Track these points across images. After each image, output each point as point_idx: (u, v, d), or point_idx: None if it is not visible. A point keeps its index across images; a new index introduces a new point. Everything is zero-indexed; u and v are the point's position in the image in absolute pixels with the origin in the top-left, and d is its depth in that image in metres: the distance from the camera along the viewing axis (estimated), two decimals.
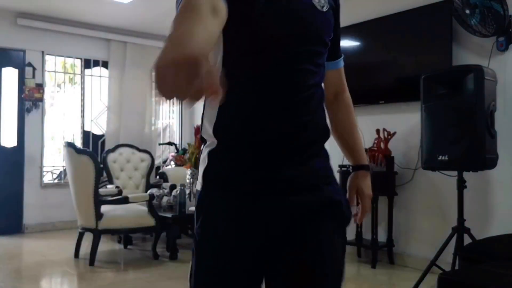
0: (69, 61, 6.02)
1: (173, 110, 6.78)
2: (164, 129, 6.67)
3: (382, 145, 3.90)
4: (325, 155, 1.15)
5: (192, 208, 4.30)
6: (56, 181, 5.80)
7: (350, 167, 1.38)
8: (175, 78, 0.62)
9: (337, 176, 4.08)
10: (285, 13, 1.07)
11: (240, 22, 1.01)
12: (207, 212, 1.09)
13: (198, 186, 1.13)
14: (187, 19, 0.84)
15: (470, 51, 3.57)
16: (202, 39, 0.79)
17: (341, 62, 1.32)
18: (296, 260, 1.08)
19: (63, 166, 5.65)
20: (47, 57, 5.58)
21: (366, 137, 4.21)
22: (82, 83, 5.91)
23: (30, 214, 5.38)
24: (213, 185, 1.09)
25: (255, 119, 1.06)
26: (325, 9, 1.15)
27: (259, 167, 1.05)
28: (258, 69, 1.06)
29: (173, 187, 4.52)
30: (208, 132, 1.09)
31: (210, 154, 1.09)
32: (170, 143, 6.11)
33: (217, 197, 1.08)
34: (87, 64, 5.92)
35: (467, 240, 3.02)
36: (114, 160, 5.15)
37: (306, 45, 1.09)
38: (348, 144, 1.34)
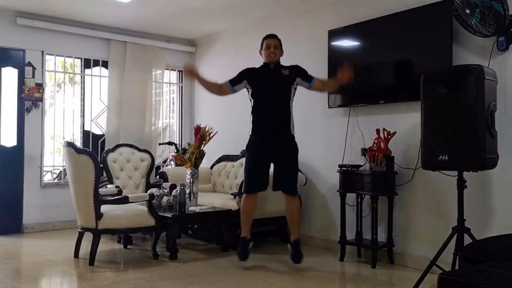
0: (69, 60, 6.02)
1: (173, 110, 6.78)
2: (164, 129, 6.66)
3: (382, 145, 3.90)
4: (290, 133, 3.87)
5: (192, 208, 4.33)
6: (55, 181, 5.80)
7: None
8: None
9: (337, 174, 4.10)
10: (269, 80, 3.89)
11: (254, 88, 3.91)
12: (250, 143, 3.90)
13: (250, 136, 3.92)
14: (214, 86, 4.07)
15: (470, 51, 3.57)
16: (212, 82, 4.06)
17: (313, 80, 3.91)
18: (282, 157, 3.85)
19: (63, 166, 5.65)
20: (47, 57, 5.58)
21: (366, 137, 4.22)
22: (82, 83, 5.91)
23: (30, 214, 5.37)
24: (252, 139, 3.90)
25: (264, 119, 3.88)
26: (287, 74, 3.89)
27: (265, 135, 3.85)
28: (263, 101, 3.89)
29: (173, 187, 4.52)
30: (251, 124, 3.90)
31: (252, 130, 3.90)
32: (170, 143, 6.11)
33: (253, 141, 3.89)
34: (87, 64, 5.92)
35: (467, 240, 3.02)
36: (114, 160, 5.15)
37: (279, 91, 3.87)
38: (326, 85, 4.10)
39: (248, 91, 3.97)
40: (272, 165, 3.93)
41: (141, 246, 4.68)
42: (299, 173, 4.62)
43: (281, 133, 3.84)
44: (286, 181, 3.88)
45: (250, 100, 3.97)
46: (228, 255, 4.26)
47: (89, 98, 5.92)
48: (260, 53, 3.97)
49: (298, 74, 3.90)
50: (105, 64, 5.98)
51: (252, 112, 3.92)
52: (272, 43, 3.89)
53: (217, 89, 4.01)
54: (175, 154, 5.44)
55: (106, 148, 5.53)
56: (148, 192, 4.40)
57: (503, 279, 1.89)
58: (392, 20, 4.03)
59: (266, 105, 3.85)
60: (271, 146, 3.81)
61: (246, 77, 3.94)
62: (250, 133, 3.93)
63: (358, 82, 4.39)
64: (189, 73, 4.17)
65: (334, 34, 4.52)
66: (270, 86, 3.86)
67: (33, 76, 5.42)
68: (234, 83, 3.94)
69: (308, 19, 4.94)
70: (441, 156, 3.03)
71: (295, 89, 3.94)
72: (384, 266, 3.92)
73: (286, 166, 3.86)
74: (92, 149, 5.70)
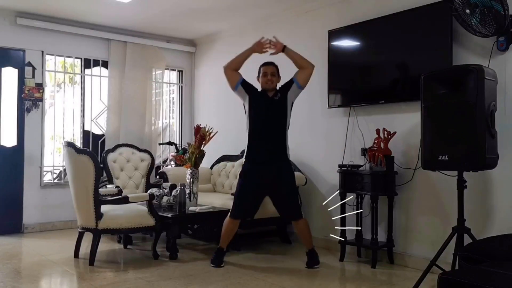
0: (69, 61, 6.02)
1: (173, 110, 6.78)
2: (164, 129, 6.67)
3: (382, 145, 3.90)
4: (285, 159, 3.84)
5: (192, 208, 4.33)
6: (55, 181, 5.80)
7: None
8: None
9: (337, 174, 4.10)
10: (266, 107, 3.85)
11: (251, 110, 3.87)
12: (244, 169, 3.90)
13: (244, 163, 3.92)
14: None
15: (470, 51, 3.57)
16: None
17: (294, 78, 3.86)
18: (278, 186, 3.82)
19: (62, 166, 5.65)
20: (47, 57, 5.58)
21: (366, 137, 4.22)
22: (82, 83, 5.91)
23: (30, 214, 5.38)
24: (245, 165, 3.88)
25: (257, 144, 3.85)
26: (277, 98, 3.84)
27: (259, 159, 3.83)
28: (258, 127, 3.85)
29: (173, 187, 4.52)
30: (247, 148, 3.89)
31: (246, 156, 3.89)
32: (170, 143, 6.11)
33: (248, 166, 3.86)
34: (87, 64, 5.92)
35: (467, 240, 3.02)
36: (114, 160, 5.15)
37: (272, 116, 3.83)
38: (298, 63, 3.86)
39: (244, 108, 3.96)
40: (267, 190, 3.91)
41: (141, 246, 4.68)
42: (299, 173, 4.63)
43: (276, 161, 3.82)
44: (289, 208, 3.89)
45: (246, 119, 3.94)
46: (228, 255, 4.26)
47: (89, 98, 5.92)
48: (258, 80, 3.95)
49: (286, 89, 3.87)
50: (105, 64, 5.98)
51: (248, 135, 3.90)
52: (269, 71, 3.86)
53: (237, 65, 3.89)
54: (175, 154, 5.43)
55: (106, 148, 5.53)
56: (148, 192, 4.40)
57: (503, 279, 1.90)
58: (392, 20, 4.03)
59: (261, 133, 3.84)
60: (266, 174, 3.79)
61: (251, 93, 3.91)
62: (244, 158, 3.93)
63: (358, 82, 4.41)
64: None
65: (334, 34, 4.52)
66: (266, 113, 3.84)
67: (33, 76, 5.42)
68: (244, 84, 3.89)
69: (308, 19, 4.94)
70: (441, 156, 3.03)
71: (291, 106, 3.89)
72: (384, 266, 3.92)
73: (285, 194, 3.86)
74: (92, 149, 5.70)
